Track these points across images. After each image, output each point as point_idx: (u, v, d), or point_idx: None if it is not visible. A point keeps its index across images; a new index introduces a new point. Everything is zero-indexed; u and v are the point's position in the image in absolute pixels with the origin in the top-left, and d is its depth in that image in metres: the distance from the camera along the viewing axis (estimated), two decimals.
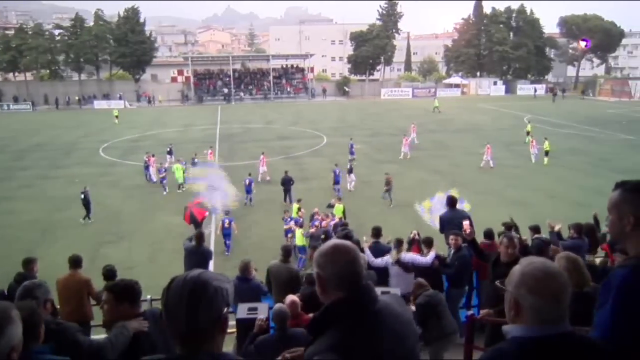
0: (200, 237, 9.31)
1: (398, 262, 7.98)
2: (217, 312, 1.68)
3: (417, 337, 2.07)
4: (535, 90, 69.44)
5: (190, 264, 8.92)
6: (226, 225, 15.26)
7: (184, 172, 21.90)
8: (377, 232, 9.04)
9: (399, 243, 8.30)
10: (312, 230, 14.13)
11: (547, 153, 26.99)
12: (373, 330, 1.83)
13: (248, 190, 20.09)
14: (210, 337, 1.70)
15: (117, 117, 45.95)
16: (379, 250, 8.50)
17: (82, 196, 18.47)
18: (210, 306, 1.66)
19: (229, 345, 7.39)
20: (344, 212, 16.74)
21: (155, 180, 23.08)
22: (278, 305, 5.32)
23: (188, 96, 67.81)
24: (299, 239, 14.44)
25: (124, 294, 3.77)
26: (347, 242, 2.01)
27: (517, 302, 1.80)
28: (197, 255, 9.16)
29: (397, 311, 1.98)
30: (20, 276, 6.95)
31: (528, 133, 32.64)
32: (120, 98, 63.25)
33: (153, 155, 24.69)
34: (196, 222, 14.61)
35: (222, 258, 15.04)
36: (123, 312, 3.68)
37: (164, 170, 22.62)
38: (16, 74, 67.47)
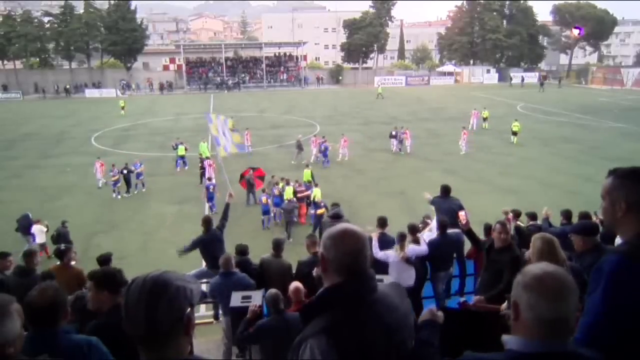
0: (207, 222, 9.04)
1: (408, 261, 7.56)
2: (179, 312, 1.60)
3: (411, 330, 2.04)
4: (511, 79, 68.30)
5: (206, 253, 8.93)
6: (211, 190, 17.75)
7: (186, 151, 24.28)
8: (383, 222, 8.59)
9: (401, 238, 7.69)
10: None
11: (515, 133, 28.63)
12: (363, 321, 1.81)
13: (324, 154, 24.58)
14: (172, 339, 1.61)
15: (123, 107, 44.07)
16: (385, 241, 8.09)
17: (125, 171, 20.28)
18: (171, 305, 1.58)
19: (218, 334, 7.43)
20: (312, 176, 18.96)
21: (100, 185, 21.35)
22: (270, 290, 5.36)
23: (172, 85, 67.56)
24: (288, 193, 16.38)
25: (103, 281, 3.76)
26: (358, 229, 1.94)
27: (515, 302, 1.71)
28: (211, 242, 8.93)
29: (394, 303, 1.96)
30: None
31: (485, 119, 33.15)
32: (122, 87, 62.95)
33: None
34: (251, 187, 18.07)
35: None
36: (103, 300, 3.67)
37: (117, 172, 20.18)
38: (5, 62, 66.48)
